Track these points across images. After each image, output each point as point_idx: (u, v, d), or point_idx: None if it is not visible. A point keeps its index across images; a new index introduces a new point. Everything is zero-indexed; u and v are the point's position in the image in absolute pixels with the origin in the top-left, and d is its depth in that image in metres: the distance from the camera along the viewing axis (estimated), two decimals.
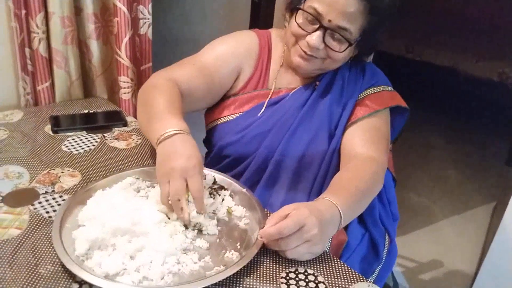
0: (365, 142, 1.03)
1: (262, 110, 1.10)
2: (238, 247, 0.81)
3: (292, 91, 1.11)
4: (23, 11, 1.24)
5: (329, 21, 0.97)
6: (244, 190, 0.94)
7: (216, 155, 1.14)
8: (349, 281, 0.77)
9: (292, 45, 1.05)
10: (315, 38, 0.98)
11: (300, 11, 1.00)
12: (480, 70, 3.67)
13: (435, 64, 3.84)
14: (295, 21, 1.01)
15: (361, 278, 0.78)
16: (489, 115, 3.77)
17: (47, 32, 1.31)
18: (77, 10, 1.37)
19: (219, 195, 0.92)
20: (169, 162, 0.82)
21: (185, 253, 0.77)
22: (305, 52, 1.02)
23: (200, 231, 0.83)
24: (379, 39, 1.08)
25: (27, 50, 1.30)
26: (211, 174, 0.97)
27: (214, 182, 0.95)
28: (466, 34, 3.95)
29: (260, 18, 2.18)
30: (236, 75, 1.13)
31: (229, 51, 1.12)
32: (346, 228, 1.08)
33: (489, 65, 3.61)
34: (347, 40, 0.99)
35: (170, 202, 0.80)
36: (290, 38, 1.05)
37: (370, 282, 0.77)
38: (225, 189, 0.94)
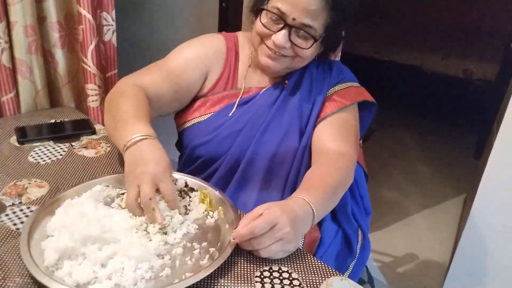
0: (335, 138, 1.05)
1: (233, 110, 1.11)
2: (212, 249, 0.81)
3: (262, 90, 1.12)
4: None
5: (293, 19, 0.98)
6: (217, 192, 0.94)
7: (188, 157, 1.14)
8: (323, 276, 0.78)
9: (258, 45, 1.06)
10: (281, 37, 1.00)
11: (264, 11, 1.01)
12: (446, 68, 3.78)
13: (402, 64, 3.93)
14: (260, 21, 1.02)
15: (334, 272, 0.79)
16: (456, 111, 3.88)
17: (10, 41, 1.28)
18: (41, 19, 1.35)
19: (190, 196, 0.92)
20: (138, 168, 0.82)
21: (158, 257, 0.77)
22: (273, 52, 1.03)
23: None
24: (343, 34, 1.10)
25: None
26: (182, 178, 0.97)
27: (186, 186, 0.95)
28: (432, 34, 4.05)
29: (229, 23, 2.19)
30: (204, 78, 1.14)
31: (196, 55, 1.12)
32: (319, 226, 1.09)
33: (454, 63, 3.72)
34: (312, 36, 1.00)
35: (140, 204, 0.81)
36: (255, 38, 1.06)
37: (343, 276, 0.78)
38: (195, 190, 0.94)
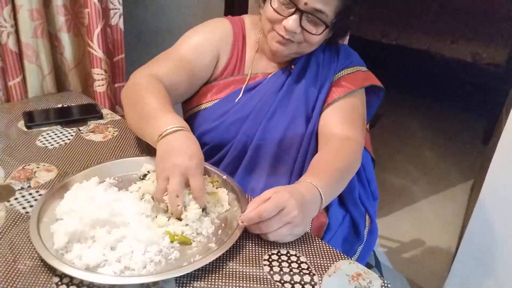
0: (342, 123, 1.04)
1: (240, 96, 1.10)
2: (220, 233, 0.81)
3: (269, 76, 1.11)
4: None
5: (305, 4, 0.96)
6: (225, 177, 0.93)
7: None
8: (331, 259, 0.78)
9: (268, 31, 1.05)
10: (291, 22, 0.98)
11: None
12: (454, 52, 3.73)
13: (410, 48, 3.88)
14: (271, 6, 1.00)
15: (342, 256, 0.79)
16: (464, 96, 3.85)
17: (16, 25, 1.28)
18: (46, 2, 1.34)
19: None
20: (170, 159, 0.80)
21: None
22: (282, 37, 1.01)
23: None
24: (352, 21, 1.08)
25: None
26: None
27: None
28: (440, 18, 4.00)
29: (235, 6, 2.17)
30: (215, 63, 1.13)
31: (205, 40, 1.11)
32: (327, 210, 1.09)
33: (463, 47, 3.67)
34: (324, 22, 0.99)
35: (166, 198, 0.79)
36: (266, 24, 1.04)
37: (351, 260, 0.78)
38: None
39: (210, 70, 1.12)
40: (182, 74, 1.06)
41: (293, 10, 0.98)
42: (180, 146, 0.82)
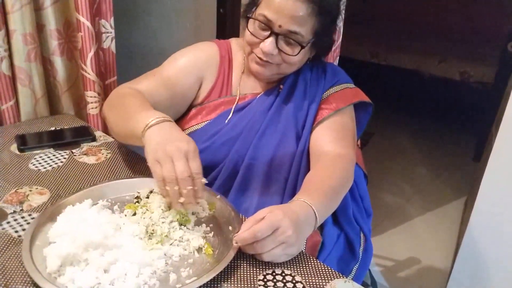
0: (332, 140, 1.05)
1: (229, 117, 1.11)
2: (216, 253, 0.80)
3: (257, 96, 1.13)
4: None
5: (280, 26, 0.99)
6: (218, 197, 0.94)
7: None
8: (326, 278, 0.77)
9: (248, 54, 1.08)
10: (268, 44, 1.00)
11: (251, 20, 1.02)
12: (443, 71, 3.78)
13: (399, 68, 3.94)
14: (248, 29, 1.03)
15: (338, 275, 0.79)
16: (454, 114, 3.89)
17: (9, 49, 1.29)
18: (40, 27, 1.35)
19: None
20: (169, 144, 0.81)
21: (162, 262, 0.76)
22: (260, 59, 1.04)
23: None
24: (334, 38, 1.11)
25: None
26: None
27: None
28: (428, 37, 4.08)
29: (226, 29, 2.20)
30: (198, 86, 1.15)
31: (191, 62, 1.13)
32: (321, 230, 1.09)
33: (451, 65, 3.73)
34: (299, 43, 1.01)
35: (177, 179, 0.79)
36: (246, 46, 1.08)
37: (347, 278, 0.78)
38: None
39: (193, 92, 1.14)
40: (163, 91, 1.09)
41: (268, 33, 1.00)
42: (172, 133, 0.85)
